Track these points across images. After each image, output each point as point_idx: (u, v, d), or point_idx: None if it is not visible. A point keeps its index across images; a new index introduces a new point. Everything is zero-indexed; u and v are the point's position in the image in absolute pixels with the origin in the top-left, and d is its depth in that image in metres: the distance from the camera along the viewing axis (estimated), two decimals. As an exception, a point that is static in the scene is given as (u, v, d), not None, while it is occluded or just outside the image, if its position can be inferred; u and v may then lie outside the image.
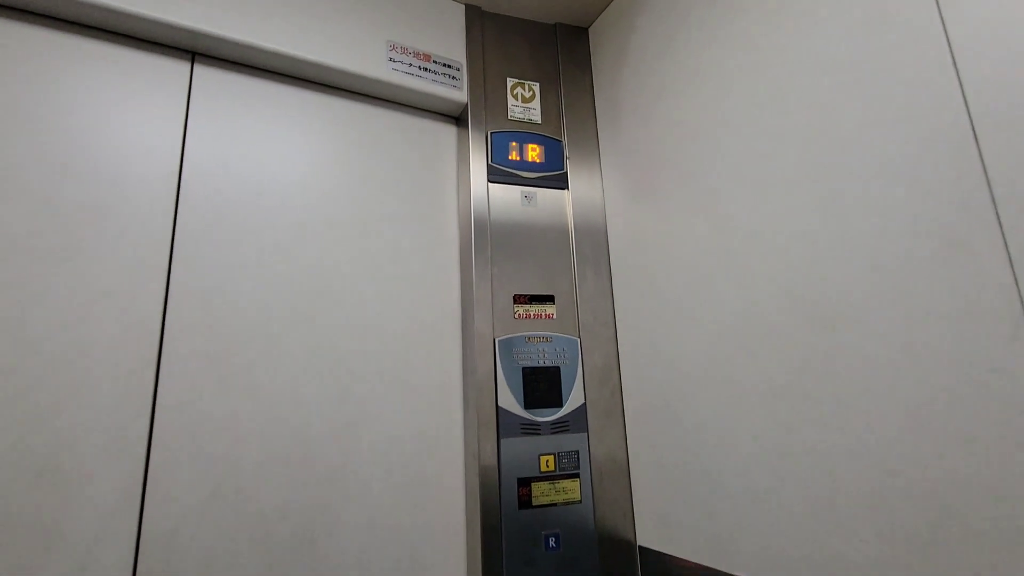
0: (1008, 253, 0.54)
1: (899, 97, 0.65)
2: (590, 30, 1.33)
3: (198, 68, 0.98)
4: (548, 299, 1.11)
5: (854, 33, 0.70)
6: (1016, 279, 0.53)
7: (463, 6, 1.23)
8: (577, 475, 1.02)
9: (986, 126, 0.57)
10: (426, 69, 1.14)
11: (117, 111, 0.90)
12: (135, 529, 0.79)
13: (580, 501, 1.00)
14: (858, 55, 0.70)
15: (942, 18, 0.61)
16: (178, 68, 0.96)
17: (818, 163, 0.74)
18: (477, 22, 1.24)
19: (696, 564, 0.88)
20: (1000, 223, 0.55)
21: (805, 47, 0.77)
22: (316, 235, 1.02)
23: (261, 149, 1.00)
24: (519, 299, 1.09)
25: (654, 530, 0.99)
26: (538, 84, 1.25)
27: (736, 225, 0.86)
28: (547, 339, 1.08)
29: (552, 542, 0.97)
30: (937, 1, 0.62)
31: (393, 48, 1.11)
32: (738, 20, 0.89)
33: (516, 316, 1.08)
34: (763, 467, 0.78)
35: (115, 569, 0.77)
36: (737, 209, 0.86)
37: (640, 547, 1.01)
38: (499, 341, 1.04)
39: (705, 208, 0.93)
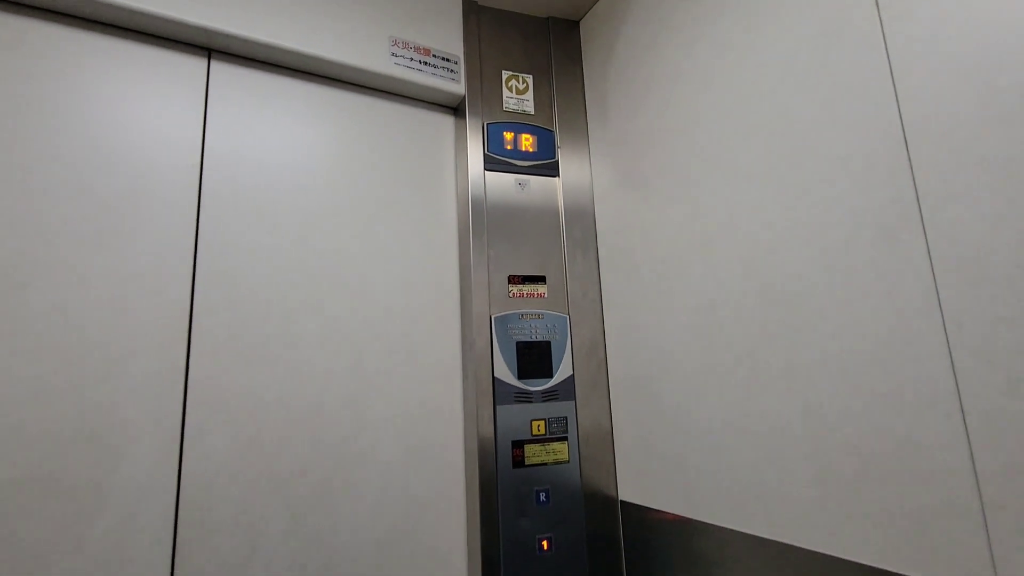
0: (927, 241, 0.64)
1: (845, 102, 0.74)
2: (581, 24, 1.39)
3: (214, 64, 1.05)
4: (540, 279, 1.21)
5: (810, 41, 0.79)
6: (932, 264, 0.63)
7: (460, 1, 1.30)
8: (565, 438, 1.13)
9: (914, 131, 0.66)
10: (426, 63, 1.21)
11: (142, 106, 0.97)
12: (175, 485, 0.89)
13: (568, 461, 1.12)
14: (813, 62, 0.78)
15: (883, 32, 0.70)
16: (196, 64, 1.03)
17: (778, 159, 0.83)
18: (474, 16, 1.30)
19: (671, 514, 1.00)
20: (922, 216, 0.65)
21: (772, 51, 0.85)
22: (325, 221, 1.10)
23: (274, 141, 1.08)
24: (513, 279, 1.18)
25: (634, 486, 1.10)
26: (531, 76, 1.32)
27: (709, 213, 0.95)
28: (539, 316, 1.18)
29: (543, 497, 1.08)
30: (879, 16, 0.70)
31: (395, 43, 1.18)
32: (718, 21, 0.96)
33: (510, 295, 1.17)
34: (726, 428, 0.89)
35: (159, 521, 0.87)
36: (710, 199, 0.95)
37: (622, 501, 1.13)
38: (495, 318, 1.14)
39: (683, 197, 1.02)
